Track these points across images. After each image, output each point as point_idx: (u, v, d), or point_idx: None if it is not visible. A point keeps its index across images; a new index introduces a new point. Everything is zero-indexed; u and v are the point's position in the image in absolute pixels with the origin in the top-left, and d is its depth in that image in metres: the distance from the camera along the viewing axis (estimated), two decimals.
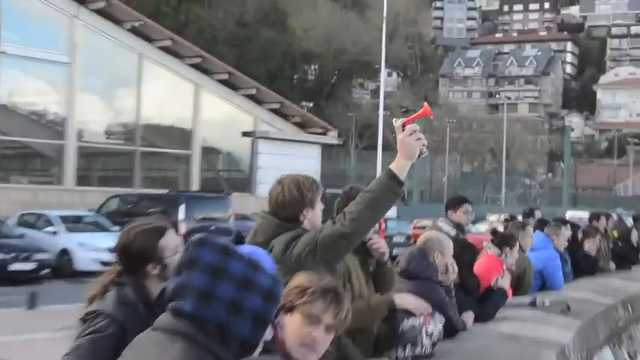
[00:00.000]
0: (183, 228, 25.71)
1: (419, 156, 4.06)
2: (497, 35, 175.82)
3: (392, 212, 31.20)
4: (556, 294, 8.89)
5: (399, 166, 4.04)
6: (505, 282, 7.22)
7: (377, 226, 4.89)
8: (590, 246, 11.62)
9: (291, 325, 2.98)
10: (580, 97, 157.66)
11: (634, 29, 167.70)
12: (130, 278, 3.68)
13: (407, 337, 5.01)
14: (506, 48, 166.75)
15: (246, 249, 3.33)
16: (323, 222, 4.30)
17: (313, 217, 4.31)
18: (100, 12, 36.71)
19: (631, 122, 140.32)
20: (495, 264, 7.82)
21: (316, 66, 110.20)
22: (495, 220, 39.62)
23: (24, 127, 36.73)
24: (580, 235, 11.54)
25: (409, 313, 5.08)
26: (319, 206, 4.35)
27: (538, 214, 12.22)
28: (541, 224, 10.79)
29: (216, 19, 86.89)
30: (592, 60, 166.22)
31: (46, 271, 22.78)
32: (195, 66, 40.34)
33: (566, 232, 10.44)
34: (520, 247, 8.44)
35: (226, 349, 2.19)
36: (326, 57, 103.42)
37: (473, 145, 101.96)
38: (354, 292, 4.91)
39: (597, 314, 8.31)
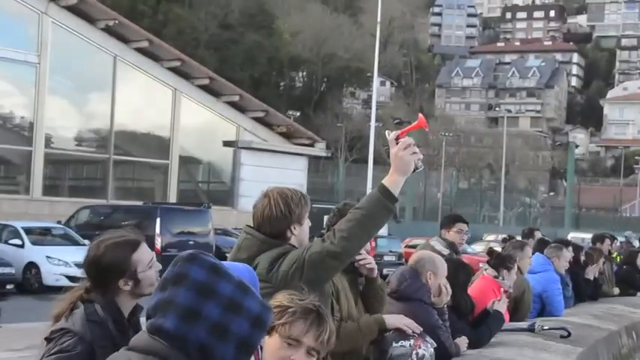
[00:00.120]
0: (159, 243, 25.71)
1: (414, 171, 4.08)
2: (499, 44, 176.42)
3: (383, 229, 31.22)
4: (556, 319, 8.91)
5: (393, 181, 4.05)
6: (502, 306, 7.23)
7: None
8: (592, 269, 11.66)
9: (270, 346, 2.97)
10: (585, 112, 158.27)
11: None
12: (99, 294, 3.66)
13: None
14: (508, 58, 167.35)
15: (225, 265, 3.32)
16: (310, 238, 4.31)
17: (301, 233, 4.31)
18: (71, 9, 36.60)
19: (639, 139, 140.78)
20: (492, 286, 7.84)
21: (304, 72, 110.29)
22: (493, 240, 39.77)
23: None
24: (583, 258, 11.57)
25: (400, 333, 5.09)
26: (307, 222, 4.35)
27: (538, 235, 12.24)
28: (541, 245, 10.79)
29: (198, 20, 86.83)
30: (599, 72, 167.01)
31: (11, 286, 22.71)
32: (174, 70, 40.31)
33: (568, 254, 10.46)
34: (518, 268, 8.46)
35: None
36: (315, 63, 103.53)
37: (470, 161, 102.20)
38: (342, 313, 4.92)
39: (599, 340, 8.33)
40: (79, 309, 3.62)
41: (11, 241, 25.48)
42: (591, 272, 11.66)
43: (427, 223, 53.79)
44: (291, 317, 2.93)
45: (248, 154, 41.57)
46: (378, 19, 46.86)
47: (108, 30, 37.82)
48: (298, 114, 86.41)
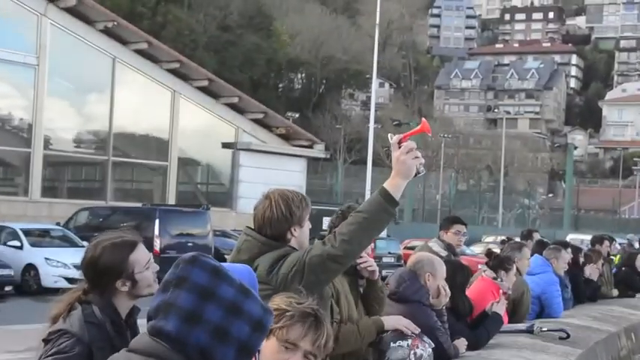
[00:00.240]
0: (158, 244, 25.71)
1: (415, 175, 4.09)
2: (498, 46, 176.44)
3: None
4: (555, 321, 8.91)
5: (394, 184, 4.05)
6: (501, 307, 7.23)
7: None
8: (591, 271, 11.66)
9: (267, 349, 2.96)
10: (584, 114, 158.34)
11: None
12: (97, 296, 3.66)
13: None
14: (507, 59, 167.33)
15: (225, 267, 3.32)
16: (309, 240, 4.32)
17: (301, 235, 4.31)
18: (70, 11, 36.59)
19: (638, 141, 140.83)
20: (491, 288, 7.84)
21: (303, 74, 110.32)
22: (491, 241, 39.80)
23: None
24: (582, 260, 11.57)
25: (398, 334, 5.10)
26: (307, 225, 4.36)
27: (537, 237, 12.24)
28: (540, 247, 10.78)
29: (197, 21, 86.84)
30: (598, 74, 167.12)
31: (9, 288, 22.72)
32: (173, 71, 40.30)
33: (567, 256, 10.46)
34: (517, 270, 8.45)
35: None
36: (314, 65, 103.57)
37: (469, 162, 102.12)
38: (342, 315, 4.92)
39: (598, 342, 8.33)
40: (77, 310, 3.62)
41: (10, 243, 25.46)
42: (594, 274, 11.66)
43: (426, 225, 53.79)
44: (288, 321, 2.92)
45: (247, 155, 41.56)
46: (377, 21, 46.81)
47: (107, 32, 37.80)
48: (297, 115, 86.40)
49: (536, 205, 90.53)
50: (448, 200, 74.55)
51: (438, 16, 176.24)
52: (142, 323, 2.69)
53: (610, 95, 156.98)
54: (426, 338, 5.20)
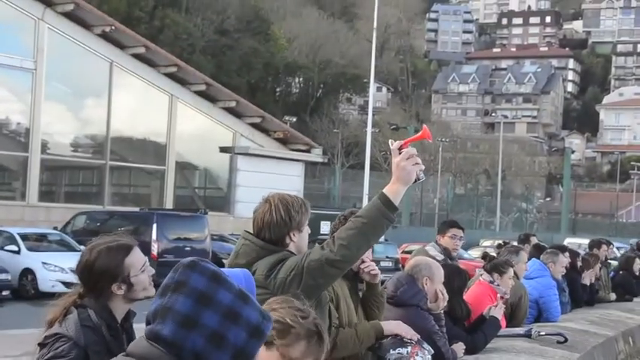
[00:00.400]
0: (155, 248, 25.70)
1: (415, 181, 4.10)
2: (495, 50, 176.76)
3: None
4: (553, 325, 8.90)
5: (394, 190, 4.04)
6: (498, 311, 7.22)
7: None
8: (589, 275, 11.65)
9: None
10: (581, 118, 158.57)
11: None
12: (92, 299, 3.66)
13: None
14: (504, 64, 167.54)
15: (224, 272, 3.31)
16: (308, 243, 4.31)
17: (300, 240, 4.31)
18: (68, 15, 36.58)
19: (635, 145, 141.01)
20: (488, 292, 7.83)
21: (300, 78, 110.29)
22: (489, 245, 39.80)
23: None
24: (579, 264, 11.56)
25: (397, 340, 5.08)
26: (306, 230, 4.35)
27: (534, 241, 12.24)
28: (537, 251, 10.77)
29: (194, 26, 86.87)
30: (595, 78, 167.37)
31: (7, 292, 22.68)
32: (171, 75, 40.28)
33: (564, 260, 10.45)
34: (515, 273, 8.44)
35: None
36: (311, 69, 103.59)
37: (466, 166, 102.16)
38: (341, 320, 4.91)
39: (596, 346, 8.32)
40: (73, 314, 3.62)
41: (7, 247, 25.42)
42: (587, 278, 11.65)
43: (424, 229, 53.80)
44: (294, 339, 2.92)
45: (244, 159, 41.54)
46: (375, 25, 46.86)
47: (104, 36, 37.79)
48: (295, 120, 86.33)
49: (533, 209, 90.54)
50: (446, 204, 74.59)
51: (436, 20, 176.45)
52: (138, 327, 2.68)
53: (607, 99, 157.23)
54: (425, 345, 5.18)
